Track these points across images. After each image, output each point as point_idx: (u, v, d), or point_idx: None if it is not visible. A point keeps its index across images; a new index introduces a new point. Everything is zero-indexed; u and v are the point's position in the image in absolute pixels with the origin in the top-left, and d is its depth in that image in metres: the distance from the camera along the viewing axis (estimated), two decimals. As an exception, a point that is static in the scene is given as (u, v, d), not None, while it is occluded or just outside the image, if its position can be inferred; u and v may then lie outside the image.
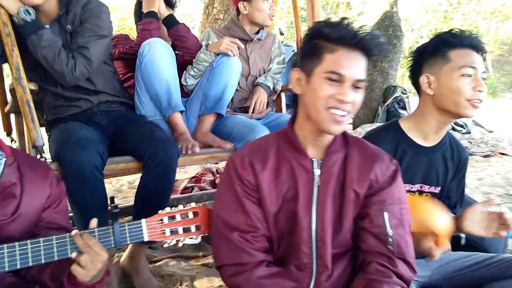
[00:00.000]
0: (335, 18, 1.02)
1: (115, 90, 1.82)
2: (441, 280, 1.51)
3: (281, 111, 2.46)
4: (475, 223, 1.29)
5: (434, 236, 1.20)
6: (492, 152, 4.90)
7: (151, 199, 1.58)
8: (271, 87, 2.25)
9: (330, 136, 1.07)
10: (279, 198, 1.06)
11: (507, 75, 40.40)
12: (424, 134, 1.37)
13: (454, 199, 1.50)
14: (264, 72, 2.30)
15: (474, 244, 1.98)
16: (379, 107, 5.53)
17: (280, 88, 2.36)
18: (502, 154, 4.85)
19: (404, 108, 5.60)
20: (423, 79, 1.33)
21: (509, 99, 32.86)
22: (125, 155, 1.62)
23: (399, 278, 1.02)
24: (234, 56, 1.99)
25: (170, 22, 2.13)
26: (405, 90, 5.63)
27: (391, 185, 1.07)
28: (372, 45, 1.00)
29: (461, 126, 5.71)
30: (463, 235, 2.00)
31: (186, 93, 2.15)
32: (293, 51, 2.88)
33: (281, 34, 6.99)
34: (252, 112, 2.16)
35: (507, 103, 24.49)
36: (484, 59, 1.32)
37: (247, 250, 1.02)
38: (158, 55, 1.83)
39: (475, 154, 4.80)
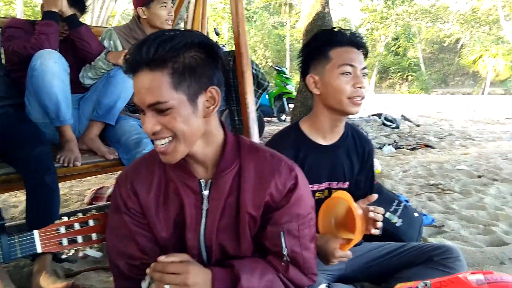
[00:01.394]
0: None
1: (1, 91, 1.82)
2: (356, 272, 1.56)
3: None
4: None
5: (343, 239, 1.22)
6: (418, 145, 5.21)
7: (38, 208, 1.57)
8: None
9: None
10: (169, 222, 1.00)
11: (437, 72, 43.07)
12: (322, 133, 1.39)
13: (364, 190, 1.54)
14: None
15: (390, 233, 2.10)
16: (315, 105, 5.68)
17: None
18: (427, 146, 5.17)
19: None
20: (309, 79, 1.34)
21: (440, 94, 35.09)
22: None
23: (289, 281, 1.02)
24: None
25: (72, 22, 2.07)
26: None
27: (288, 203, 0.99)
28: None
29: (391, 121, 6.01)
30: (379, 227, 2.12)
31: (83, 87, 2.15)
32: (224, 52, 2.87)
33: (217, 34, 6.98)
34: None
35: (438, 98, 26.11)
36: (366, 55, 1.35)
37: (136, 278, 0.97)
38: (49, 71, 1.78)
39: (403, 147, 5.07)
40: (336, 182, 1.46)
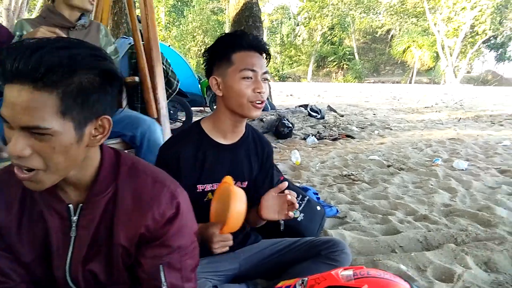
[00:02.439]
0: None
1: None
2: (250, 270, 1.59)
3: (121, 105, 2.37)
4: (270, 209, 1.35)
5: (223, 224, 1.22)
6: (339, 135, 5.43)
7: None
8: None
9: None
10: (34, 246, 0.91)
11: (370, 61, 45.13)
12: (223, 133, 1.40)
13: (264, 190, 1.58)
14: None
15: (293, 229, 2.17)
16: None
17: None
18: (348, 136, 5.42)
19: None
20: (212, 81, 1.34)
21: (372, 83, 36.85)
22: None
23: None
24: None
25: None
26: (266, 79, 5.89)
27: (167, 234, 0.91)
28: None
29: (316, 112, 6.21)
30: (281, 221, 2.18)
31: None
32: (130, 43, 2.75)
33: (139, 22, 6.71)
34: None
35: (369, 87, 27.40)
36: (269, 60, 1.37)
37: None
38: None
39: (325, 138, 5.27)
40: (235, 182, 1.48)
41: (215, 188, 1.40)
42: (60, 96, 0.72)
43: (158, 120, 2.61)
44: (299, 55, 44.38)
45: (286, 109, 6.29)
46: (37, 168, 0.76)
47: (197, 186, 1.39)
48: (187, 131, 1.47)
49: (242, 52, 1.30)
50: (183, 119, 5.99)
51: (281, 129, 5.19)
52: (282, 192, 1.33)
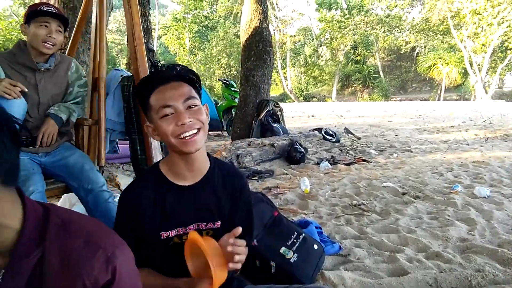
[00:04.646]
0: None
1: None
2: None
3: (80, 146, 2.31)
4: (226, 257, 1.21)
5: (211, 281, 1.12)
6: (355, 159, 5.21)
7: None
8: (65, 118, 2.11)
9: None
10: None
11: (396, 79, 44.50)
12: (181, 174, 1.29)
13: (243, 227, 1.45)
14: (62, 98, 2.18)
15: (285, 271, 2.00)
16: (254, 121, 5.60)
17: (75, 120, 2.22)
18: (364, 160, 5.18)
19: (277, 121, 5.74)
20: (147, 129, 1.27)
21: (399, 101, 36.18)
22: None
23: None
24: (14, 99, 1.81)
25: None
26: (277, 104, 5.77)
27: None
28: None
29: (331, 135, 6.01)
30: (273, 263, 2.01)
31: None
32: (122, 75, 2.71)
33: (150, 51, 6.80)
34: (40, 146, 2.02)
35: (396, 105, 26.89)
36: (197, 86, 1.26)
37: None
38: None
39: (340, 163, 5.05)
40: (206, 223, 1.35)
41: (181, 233, 1.29)
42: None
43: (149, 153, 2.53)
44: (323, 75, 44.32)
45: (299, 133, 6.13)
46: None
47: (161, 233, 1.27)
48: (146, 175, 1.37)
49: (155, 91, 1.21)
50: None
51: (293, 154, 5.02)
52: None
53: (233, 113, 8.43)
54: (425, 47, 39.28)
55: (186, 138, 1.18)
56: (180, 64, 1.27)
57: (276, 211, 2.27)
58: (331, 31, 40.13)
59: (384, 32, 39.24)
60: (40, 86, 2.05)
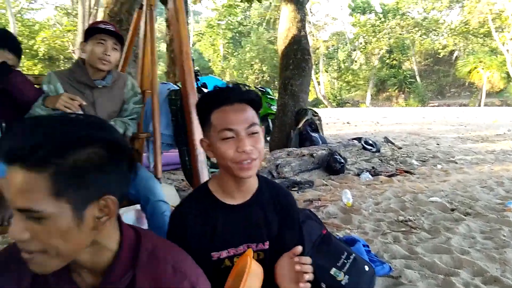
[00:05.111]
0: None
1: None
2: None
3: (140, 160, 2.32)
4: (285, 277, 1.19)
5: None
6: (397, 170, 5.05)
7: None
8: (121, 132, 2.11)
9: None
10: None
11: (434, 84, 43.28)
12: (230, 193, 1.28)
13: (292, 247, 1.42)
14: (118, 115, 2.18)
15: (338, 292, 1.94)
16: (292, 131, 5.55)
17: (131, 134, 2.21)
18: (406, 172, 5.02)
19: (316, 130, 5.66)
20: (201, 143, 1.25)
21: (436, 106, 35.10)
22: None
23: None
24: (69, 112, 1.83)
25: (1, 70, 1.93)
26: (316, 113, 5.69)
27: None
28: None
29: (371, 145, 5.87)
30: (323, 285, 1.95)
31: None
32: (169, 89, 2.74)
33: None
34: None
35: (434, 111, 26.09)
36: (259, 108, 1.23)
37: None
38: None
39: (381, 174, 4.92)
40: (255, 244, 1.33)
41: (232, 254, 1.28)
42: (52, 176, 0.67)
43: (195, 166, 2.54)
44: (357, 80, 43.69)
45: (338, 142, 6.02)
46: (36, 251, 0.72)
47: (212, 254, 1.26)
48: (195, 195, 1.36)
49: (218, 110, 1.18)
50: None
51: (332, 165, 4.93)
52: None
53: (269, 120, 8.41)
54: (464, 50, 37.95)
55: (244, 164, 1.16)
56: (245, 85, 1.25)
57: (324, 229, 2.20)
58: (365, 35, 39.50)
59: (420, 35, 38.24)
60: (97, 103, 2.07)
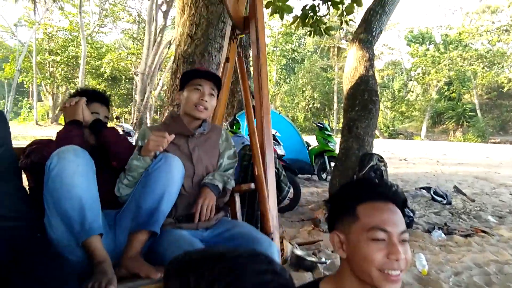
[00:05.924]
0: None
1: (12, 211, 1.55)
2: None
3: (235, 216, 2.15)
4: None
5: None
6: (472, 229, 4.58)
7: None
8: (221, 186, 1.95)
9: None
10: None
11: (496, 119, 41.10)
12: None
13: None
14: (213, 171, 2.03)
15: None
16: (355, 176, 5.24)
17: (231, 188, 2.05)
18: (483, 232, 4.53)
19: (381, 177, 5.30)
20: (333, 237, 1.08)
21: (498, 143, 33.04)
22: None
23: None
24: (162, 149, 1.74)
25: (95, 127, 1.90)
26: (381, 158, 5.36)
27: None
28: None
29: (441, 196, 5.41)
30: None
31: (121, 203, 1.86)
32: (243, 143, 2.61)
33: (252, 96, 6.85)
34: (199, 221, 1.85)
35: (495, 148, 24.51)
36: (404, 214, 1.05)
37: None
38: (69, 167, 1.52)
39: (455, 233, 4.46)
40: None
41: None
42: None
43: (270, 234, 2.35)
44: (412, 111, 42.26)
45: (405, 191, 5.61)
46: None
47: None
48: None
49: (369, 203, 1.02)
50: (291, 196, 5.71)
51: (400, 218, 4.55)
52: None
53: (325, 157, 8.13)
54: (532, 84, 35.69)
55: (392, 275, 0.97)
56: (394, 184, 1.07)
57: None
58: (424, 66, 38.29)
59: (483, 68, 36.46)
60: (194, 155, 1.96)
